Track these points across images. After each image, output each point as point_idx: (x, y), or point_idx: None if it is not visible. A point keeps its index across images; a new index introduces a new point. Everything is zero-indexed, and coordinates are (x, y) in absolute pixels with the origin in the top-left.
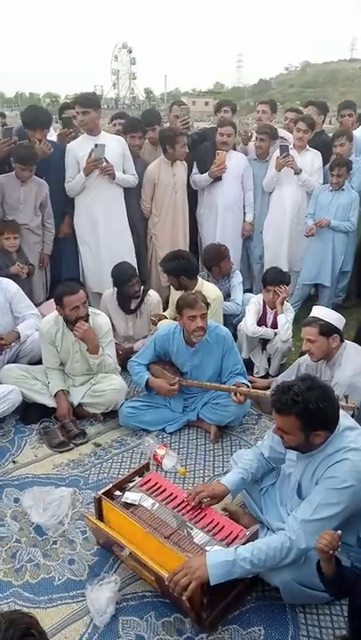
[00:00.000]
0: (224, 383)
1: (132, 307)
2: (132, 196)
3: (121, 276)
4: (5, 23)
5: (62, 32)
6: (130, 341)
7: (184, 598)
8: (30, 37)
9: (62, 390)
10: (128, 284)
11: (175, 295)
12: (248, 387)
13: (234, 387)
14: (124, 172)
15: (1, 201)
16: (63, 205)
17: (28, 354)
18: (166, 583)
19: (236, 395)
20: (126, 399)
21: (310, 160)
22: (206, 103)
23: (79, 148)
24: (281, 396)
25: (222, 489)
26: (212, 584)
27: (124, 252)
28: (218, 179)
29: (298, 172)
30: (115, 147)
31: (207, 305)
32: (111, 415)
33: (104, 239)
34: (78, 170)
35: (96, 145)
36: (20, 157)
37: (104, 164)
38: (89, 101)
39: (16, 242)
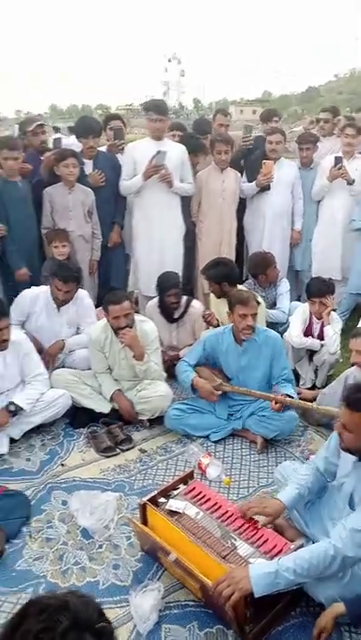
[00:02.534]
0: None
1: (175, 316)
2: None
3: (162, 284)
4: (60, 38)
5: (114, 45)
6: (174, 350)
7: (227, 607)
8: (83, 51)
9: (118, 390)
10: (166, 293)
11: (215, 303)
12: (292, 397)
13: (280, 396)
14: (181, 181)
15: (50, 211)
16: (112, 215)
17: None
18: (210, 592)
19: (275, 403)
20: None
21: (359, 166)
22: (254, 112)
23: (138, 149)
24: (358, 393)
25: (276, 507)
26: (256, 596)
27: (175, 258)
28: (266, 187)
29: (351, 182)
30: (176, 154)
31: (258, 304)
32: (157, 422)
33: (158, 243)
34: (134, 170)
35: (158, 151)
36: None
37: (163, 170)
38: (164, 109)
39: (65, 250)
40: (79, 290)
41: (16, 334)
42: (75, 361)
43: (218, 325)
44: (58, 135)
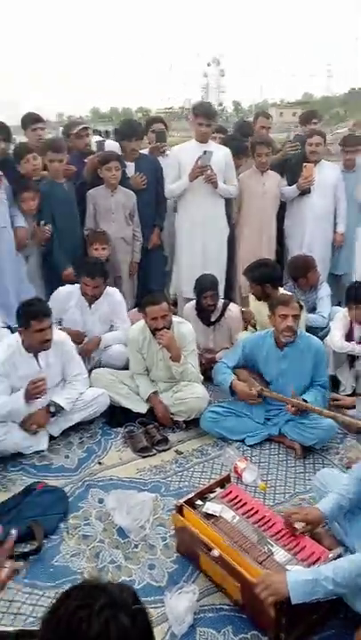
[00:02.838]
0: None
1: (212, 319)
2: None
3: (199, 286)
4: (100, 40)
5: (153, 48)
6: (211, 353)
7: (268, 604)
8: (124, 54)
9: (154, 392)
10: (203, 295)
11: (254, 305)
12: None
13: (296, 400)
14: (225, 182)
15: (93, 213)
16: (153, 217)
17: (106, 365)
18: (255, 589)
19: (291, 406)
20: None
21: None
22: (294, 114)
23: (183, 152)
24: None
25: (317, 515)
26: (293, 603)
27: (219, 260)
28: (307, 190)
29: None
30: (219, 156)
31: (301, 307)
32: (193, 424)
33: (201, 245)
34: (179, 172)
35: (205, 152)
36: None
37: (209, 171)
38: (213, 113)
39: (105, 252)
40: (108, 287)
41: (58, 334)
42: (112, 356)
43: (255, 325)
44: (100, 138)
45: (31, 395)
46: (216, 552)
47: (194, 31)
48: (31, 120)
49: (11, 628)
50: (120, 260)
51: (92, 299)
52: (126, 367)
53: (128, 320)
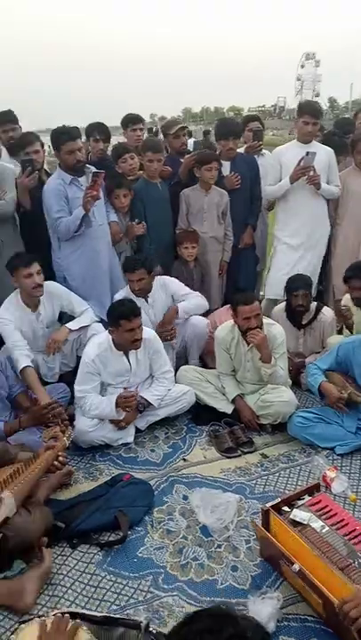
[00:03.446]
0: None
1: (304, 322)
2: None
3: (289, 284)
4: (192, 41)
5: (245, 46)
6: (300, 357)
7: (353, 628)
8: (217, 54)
9: (240, 395)
10: (293, 293)
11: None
12: None
13: None
14: (327, 183)
15: (186, 212)
16: (245, 216)
17: (192, 343)
18: (336, 609)
19: None
20: None
21: None
22: None
23: (285, 153)
24: None
25: None
26: None
27: (317, 262)
28: None
29: None
30: (322, 156)
31: None
32: (279, 428)
33: (302, 248)
34: (280, 174)
35: (307, 153)
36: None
37: (311, 172)
38: (319, 113)
39: (194, 251)
40: (162, 277)
41: (147, 332)
42: (195, 329)
43: (352, 326)
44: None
45: (121, 408)
46: (296, 567)
47: (287, 28)
48: (131, 121)
49: (96, 613)
50: (210, 259)
51: (143, 293)
52: (211, 339)
53: (191, 291)
